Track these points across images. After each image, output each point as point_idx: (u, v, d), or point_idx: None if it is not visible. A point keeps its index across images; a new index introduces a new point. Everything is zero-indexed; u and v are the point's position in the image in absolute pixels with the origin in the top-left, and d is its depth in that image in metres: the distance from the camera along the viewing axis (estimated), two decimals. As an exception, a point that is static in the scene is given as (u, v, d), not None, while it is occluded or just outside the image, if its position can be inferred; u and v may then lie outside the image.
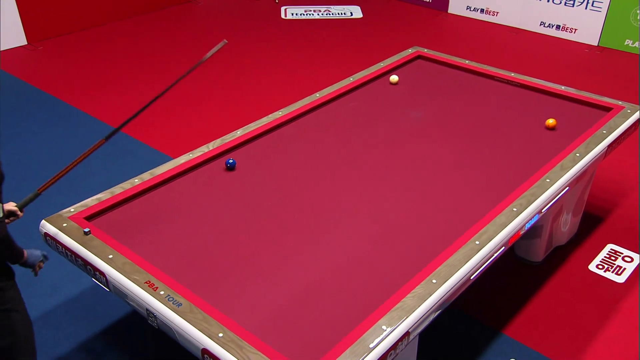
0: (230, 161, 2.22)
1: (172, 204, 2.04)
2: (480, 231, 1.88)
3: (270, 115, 2.56)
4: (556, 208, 2.41)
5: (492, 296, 2.42)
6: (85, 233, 1.84)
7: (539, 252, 2.55)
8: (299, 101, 2.68)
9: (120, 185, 2.12)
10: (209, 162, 2.29)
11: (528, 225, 1.99)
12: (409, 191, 2.09)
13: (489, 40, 5.05)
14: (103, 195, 2.06)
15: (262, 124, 2.50)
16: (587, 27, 4.91)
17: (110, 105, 4.06)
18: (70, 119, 3.89)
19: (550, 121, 2.42)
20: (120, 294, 1.69)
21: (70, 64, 4.69)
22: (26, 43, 5.01)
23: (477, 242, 1.83)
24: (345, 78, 2.93)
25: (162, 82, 4.37)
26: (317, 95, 2.73)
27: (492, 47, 4.92)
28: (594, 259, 2.62)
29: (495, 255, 1.85)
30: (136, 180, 2.14)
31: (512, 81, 2.86)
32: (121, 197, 2.05)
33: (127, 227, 1.92)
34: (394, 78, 2.64)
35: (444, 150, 2.34)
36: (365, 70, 2.99)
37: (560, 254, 2.65)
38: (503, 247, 1.88)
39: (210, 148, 2.34)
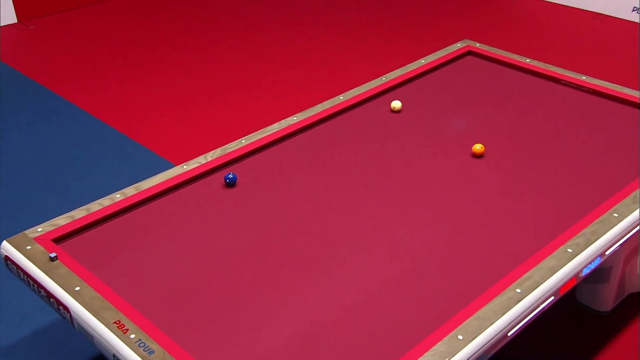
0: (230, 176, 2.24)
1: (156, 227, 2.07)
2: (524, 276, 1.83)
3: (282, 122, 2.58)
4: (628, 248, 2.33)
5: (546, 351, 2.35)
6: (51, 258, 1.88)
7: (607, 299, 2.47)
8: (319, 105, 2.69)
9: (99, 201, 2.17)
10: (206, 176, 2.31)
11: (586, 271, 1.93)
12: (439, 222, 2.07)
13: (566, 30, 4.94)
14: (77, 213, 2.10)
15: (272, 132, 2.51)
16: (690, 16, 4.74)
17: (108, 100, 4.15)
18: (61, 114, 4.00)
19: (478, 147, 2.33)
20: (86, 334, 1.72)
21: (65, 48, 4.82)
22: (16, 21, 5.14)
23: (518, 290, 1.79)
24: (379, 76, 2.92)
25: (168, 73, 4.45)
26: (341, 97, 2.74)
27: (569, 38, 4.81)
28: (678, 311, 2.53)
29: (542, 306, 1.80)
30: (117, 196, 2.18)
31: (583, 86, 2.79)
32: (98, 216, 2.09)
33: (101, 253, 1.96)
34: (396, 104, 2.55)
35: (488, 172, 2.30)
36: (402, 68, 2.97)
37: (634, 304, 2.56)
38: (552, 297, 1.83)
39: (209, 159, 2.37)
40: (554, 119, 2.60)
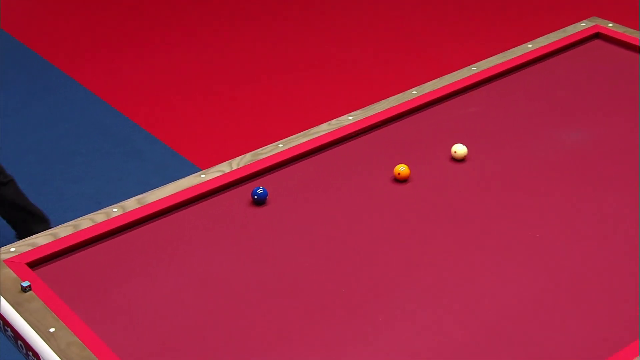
0: (259, 191, 2.27)
1: (160, 254, 2.11)
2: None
3: (333, 122, 2.59)
4: None
5: None
6: (24, 288, 1.94)
7: None
8: (384, 100, 2.68)
9: (90, 216, 2.22)
10: (228, 190, 2.35)
11: None
12: (530, 272, 2.02)
13: None
14: (61, 230, 2.16)
15: (319, 134, 2.53)
16: None
17: (120, 79, 4.27)
18: (59, 93, 4.14)
19: (401, 168, 2.30)
20: (58, 390, 1.77)
21: (71, 10, 4.95)
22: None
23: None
24: (468, 64, 2.89)
25: (196, 51, 4.50)
26: (414, 92, 2.72)
27: None
28: None
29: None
30: (114, 210, 2.24)
31: None
32: (87, 235, 2.14)
33: (88, 284, 2.01)
34: (460, 151, 2.43)
35: (607, 206, 2.24)
36: (501, 54, 2.94)
37: None
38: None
39: (234, 167, 2.40)
40: None
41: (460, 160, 2.42)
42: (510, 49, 2.99)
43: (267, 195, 2.27)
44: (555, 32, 3.06)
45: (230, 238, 2.16)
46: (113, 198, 3.32)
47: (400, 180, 2.35)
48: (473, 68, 2.85)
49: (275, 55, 4.44)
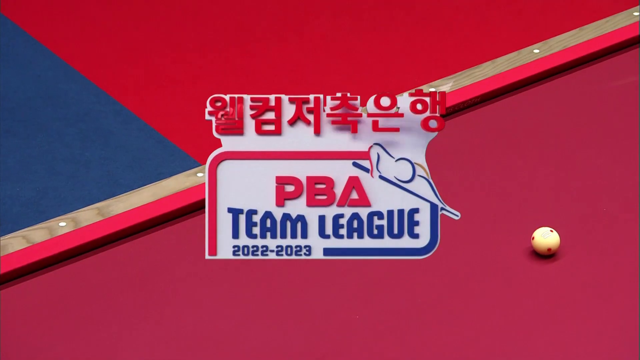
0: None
1: (126, 295, 2.10)
2: None
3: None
4: None
5: None
6: None
7: None
8: (487, 63, 2.66)
9: (23, 232, 2.20)
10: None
11: None
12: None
13: None
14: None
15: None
16: None
17: (80, 20, 4.26)
18: (41, 66, 4.10)
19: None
20: None
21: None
22: None
23: None
24: (627, 9, 2.85)
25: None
26: (536, 50, 2.70)
27: None
28: None
29: None
30: (62, 225, 2.23)
31: None
32: (16, 264, 2.12)
33: (13, 343, 1.98)
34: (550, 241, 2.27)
35: None
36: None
37: None
38: None
39: (252, 159, 2.37)
40: None
41: (549, 254, 2.24)
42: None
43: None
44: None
45: (239, 277, 2.14)
46: (62, 205, 3.34)
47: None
48: (635, 14, 2.78)
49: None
